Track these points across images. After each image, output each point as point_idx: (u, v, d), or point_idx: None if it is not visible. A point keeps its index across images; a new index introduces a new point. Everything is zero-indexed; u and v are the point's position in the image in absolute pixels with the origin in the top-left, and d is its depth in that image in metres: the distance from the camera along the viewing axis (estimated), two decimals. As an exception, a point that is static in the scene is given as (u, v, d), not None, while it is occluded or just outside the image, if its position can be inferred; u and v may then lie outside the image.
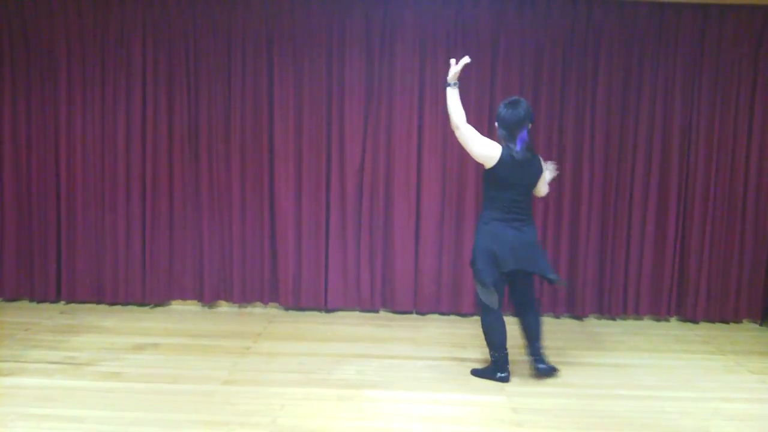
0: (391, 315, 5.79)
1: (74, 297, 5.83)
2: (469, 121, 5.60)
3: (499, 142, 4.13)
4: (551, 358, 4.76)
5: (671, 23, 5.54)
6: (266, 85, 5.64)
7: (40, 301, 5.86)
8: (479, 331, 5.36)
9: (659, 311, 5.80)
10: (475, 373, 4.38)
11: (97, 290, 5.82)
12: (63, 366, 4.38)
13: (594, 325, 5.71)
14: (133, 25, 5.58)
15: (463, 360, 4.68)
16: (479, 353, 4.82)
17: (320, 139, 5.68)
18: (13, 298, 5.88)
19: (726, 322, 5.82)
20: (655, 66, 5.58)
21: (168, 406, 3.80)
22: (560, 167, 5.64)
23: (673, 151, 5.63)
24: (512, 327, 4.35)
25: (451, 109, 4.17)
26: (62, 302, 5.87)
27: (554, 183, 5.62)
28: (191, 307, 5.89)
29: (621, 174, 5.68)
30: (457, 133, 4.17)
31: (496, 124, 4.18)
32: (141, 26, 5.59)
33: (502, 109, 4.13)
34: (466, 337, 5.23)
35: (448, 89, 4.19)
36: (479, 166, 5.61)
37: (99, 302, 5.86)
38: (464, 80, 5.51)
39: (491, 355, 4.32)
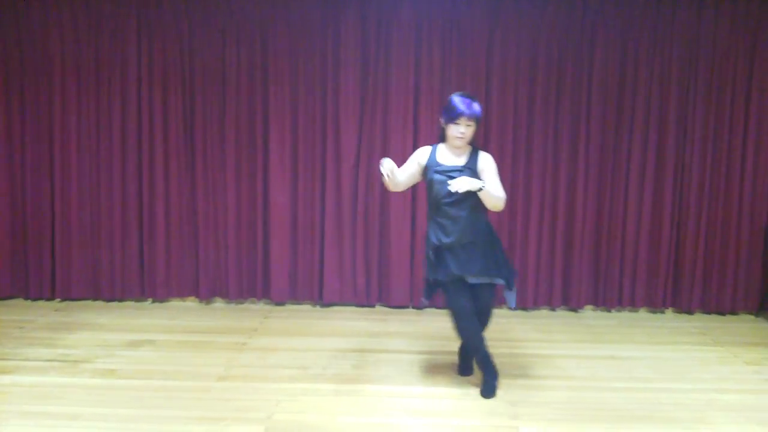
0: (386, 309, 5.79)
1: (69, 294, 5.82)
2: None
3: (472, 142, 3.92)
4: (546, 351, 4.79)
5: (667, 17, 5.52)
6: (261, 82, 5.62)
7: (35, 298, 5.85)
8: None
9: (655, 303, 5.81)
10: (490, 393, 3.99)
11: (92, 287, 5.81)
12: (58, 363, 4.37)
13: (590, 317, 5.72)
14: (128, 24, 5.55)
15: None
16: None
17: (315, 136, 5.67)
18: (8, 296, 5.86)
19: (722, 313, 5.82)
20: (651, 59, 5.57)
21: (163, 402, 3.80)
22: (556, 160, 5.65)
23: (669, 143, 5.63)
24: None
25: (496, 199, 3.77)
26: (57, 300, 5.86)
27: (549, 175, 5.65)
28: (187, 303, 5.88)
29: (616, 166, 5.68)
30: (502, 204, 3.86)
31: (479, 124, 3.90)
32: (135, 25, 5.56)
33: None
34: (462, 330, 5.23)
35: (481, 192, 3.71)
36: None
37: (94, 299, 5.84)
38: (460, 71, 5.55)
39: (481, 360, 4.05)
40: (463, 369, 4.29)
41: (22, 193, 5.76)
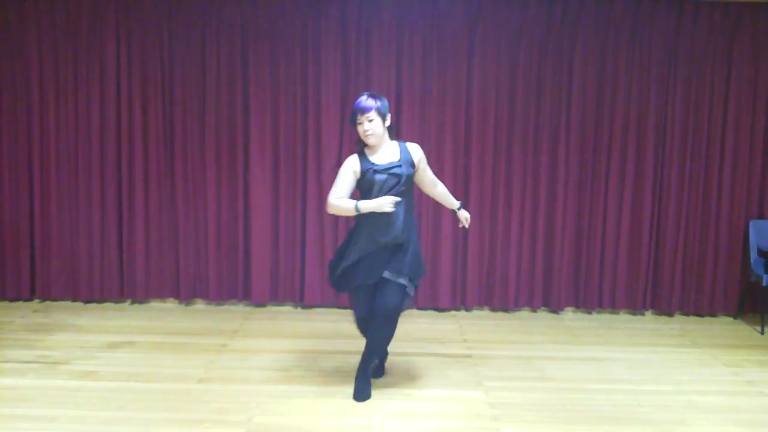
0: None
1: (48, 295, 5.76)
2: (446, 113, 5.63)
3: (391, 136, 3.95)
4: (527, 352, 4.80)
5: (646, 17, 5.56)
6: (241, 82, 5.59)
7: (13, 299, 5.78)
8: (457, 326, 5.40)
9: (635, 305, 5.85)
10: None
11: (71, 288, 5.76)
12: (36, 365, 4.32)
13: (570, 318, 5.74)
14: (106, 20, 5.51)
15: (440, 355, 4.68)
16: (457, 348, 4.83)
17: (296, 136, 5.65)
18: (-14, 297, 5.81)
19: (701, 315, 5.87)
20: (631, 60, 5.61)
21: (143, 404, 3.77)
22: (536, 162, 5.68)
23: (648, 145, 5.67)
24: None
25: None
26: (36, 300, 5.80)
27: (530, 177, 5.67)
28: (167, 304, 5.84)
29: (596, 168, 5.71)
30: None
31: (390, 121, 3.90)
32: (114, 21, 5.52)
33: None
34: (443, 332, 5.23)
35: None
36: (457, 161, 5.65)
37: (73, 300, 5.79)
38: (441, 72, 5.56)
39: (374, 359, 4.05)
40: (376, 371, 4.24)
41: (0, 194, 5.69)
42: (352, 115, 3.81)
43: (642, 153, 5.68)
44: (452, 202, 4.16)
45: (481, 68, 5.59)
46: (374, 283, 3.86)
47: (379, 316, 3.83)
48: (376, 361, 4.11)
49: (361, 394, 3.92)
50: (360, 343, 4.05)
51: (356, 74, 5.59)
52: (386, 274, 3.82)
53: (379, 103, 3.80)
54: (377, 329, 3.87)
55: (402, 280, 3.84)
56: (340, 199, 3.78)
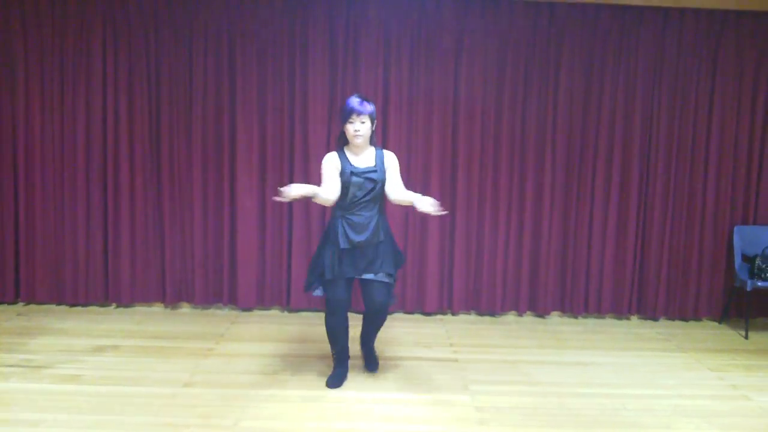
0: (354, 315, 5.73)
1: (33, 298, 5.72)
2: (433, 117, 5.65)
3: (372, 141, 4.14)
4: (513, 356, 4.81)
5: (632, 26, 5.60)
6: (228, 84, 5.57)
7: (-3, 302, 5.76)
8: (443, 330, 5.41)
9: (620, 309, 5.87)
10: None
11: (55, 291, 5.72)
12: (19, 369, 4.29)
13: (556, 323, 5.75)
14: (93, 22, 5.48)
15: (427, 359, 4.68)
16: (443, 352, 4.83)
17: (283, 140, 5.63)
18: (-31, 300, 5.76)
19: (686, 320, 5.90)
20: (617, 68, 5.64)
21: (128, 409, 3.75)
22: (523, 168, 5.70)
23: (634, 152, 5.69)
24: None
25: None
26: (20, 303, 5.76)
27: (516, 182, 5.69)
28: (152, 308, 5.81)
29: (582, 173, 5.74)
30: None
31: (374, 122, 4.06)
32: (101, 23, 5.48)
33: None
34: (430, 336, 5.23)
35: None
36: (444, 165, 5.66)
37: (58, 304, 5.75)
38: (428, 78, 5.57)
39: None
40: (370, 365, 4.46)
41: (-16, 197, 5.66)
42: (347, 113, 3.95)
43: (627, 159, 5.71)
44: (411, 196, 3.97)
45: (468, 73, 5.60)
46: (352, 278, 4.08)
47: (372, 313, 4.14)
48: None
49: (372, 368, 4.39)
50: (351, 346, 4.13)
51: (344, 78, 5.58)
52: (368, 276, 4.03)
53: (372, 108, 4.01)
54: (372, 322, 4.24)
55: (383, 278, 4.04)
56: (332, 192, 3.97)
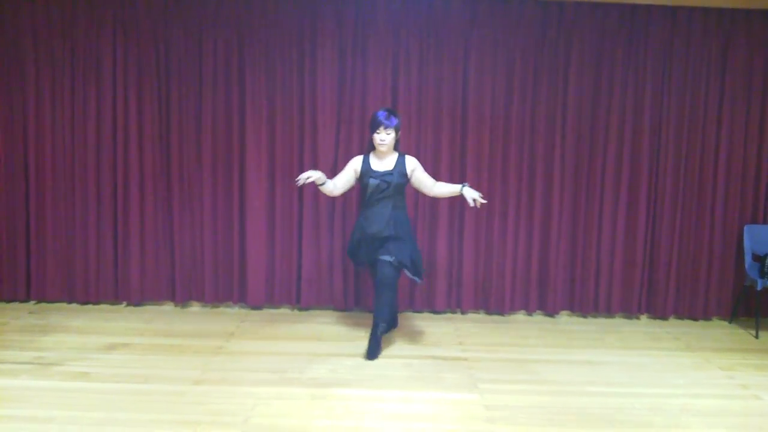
0: (364, 313, 5.78)
1: (44, 296, 5.75)
2: (443, 119, 5.67)
3: (396, 148, 4.83)
4: (522, 355, 4.81)
5: (641, 25, 5.59)
6: (237, 82, 5.59)
7: (9, 300, 5.78)
8: (452, 329, 5.41)
9: (630, 309, 5.86)
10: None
11: (67, 289, 5.75)
12: (31, 366, 4.32)
13: (565, 322, 5.75)
14: (103, 21, 5.50)
15: (436, 358, 4.69)
16: (452, 351, 4.83)
17: (292, 137, 5.65)
18: (-19, 299, 5.80)
19: (695, 319, 5.89)
20: (626, 67, 5.63)
21: (138, 406, 3.77)
22: (532, 167, 5.69)
23: (643, 151, 5.68)
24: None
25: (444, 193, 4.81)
26: (32, 302, 5.79)
27: (525, 181, 5.69)
28: (162, 306, 5.84)
29: (592, 173, 5.73)
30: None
31: (399, 133, 4.78)
32: (111, 22, 5.52)
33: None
34: (439, 334, 5.24)
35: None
36: (453, 161, 5.66)
37: (69, 302, 5.79)
38: (437, 78, 5.58)
39: (382, 325, 4.72)
40: (373, 352, 4.71)
41: (-5, 193, 5.70)
42: (375, 124, 4.66)
43: (637, 157, 5.70)
44: (454, 189, 4.71)
45: (476, 73, 5.60)
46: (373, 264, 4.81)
47: (378, 287, 4.69)
48: (384, 325, 4.72)
49: (373, 353, 4.64)
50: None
51: (353, 76, 5.59)
52: (378, 256, 4.71)
53: (397, 121, 4.71)
54: (379, 296, 4.68)
55: (388, 257, 4.63)
56: (335, 186, 4.78)
